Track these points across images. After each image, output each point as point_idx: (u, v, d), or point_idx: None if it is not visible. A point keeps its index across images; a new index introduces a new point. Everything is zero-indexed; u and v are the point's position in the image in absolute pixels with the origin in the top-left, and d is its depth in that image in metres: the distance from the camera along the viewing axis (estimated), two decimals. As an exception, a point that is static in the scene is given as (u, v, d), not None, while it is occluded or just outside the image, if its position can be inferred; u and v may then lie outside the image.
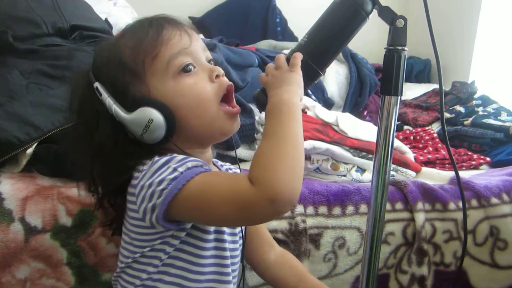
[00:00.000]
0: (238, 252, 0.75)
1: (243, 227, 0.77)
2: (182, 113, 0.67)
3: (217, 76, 0.70)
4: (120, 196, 0.70)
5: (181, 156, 0.63)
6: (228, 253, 0.71)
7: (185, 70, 0.68)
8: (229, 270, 0.71)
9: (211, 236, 0.68)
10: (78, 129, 0.71)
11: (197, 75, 0.69)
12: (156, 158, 0.63)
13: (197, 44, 0.71)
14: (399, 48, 0.67)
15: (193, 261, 0.67)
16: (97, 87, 0.67)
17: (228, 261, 0.71)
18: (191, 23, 2.30)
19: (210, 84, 0.70)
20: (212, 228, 0.68)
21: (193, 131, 0.69)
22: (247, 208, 0.57)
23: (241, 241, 0.77)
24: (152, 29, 0.68)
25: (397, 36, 0.66)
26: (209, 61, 0.73)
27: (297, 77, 0.68)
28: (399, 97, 0.69)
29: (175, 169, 0.60)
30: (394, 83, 0.68)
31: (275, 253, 0.86)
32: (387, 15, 0.67)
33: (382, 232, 0.74)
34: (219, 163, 0.84)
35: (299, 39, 0.72)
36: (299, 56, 0.69)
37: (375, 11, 0.69)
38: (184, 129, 0.68)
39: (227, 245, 0.71)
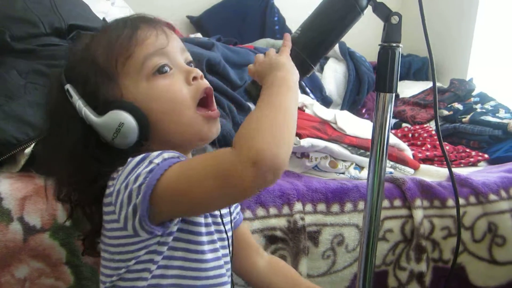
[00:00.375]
0: (229, 265, 0.71)
1: (230, 236, 0.71)
2: (157, 117, 0.64)
3: (195, 78, 0.67)
4: (93, 206, 0.67)
5: (157, 152, 0.59)
6: (222, 261, 0.67)
7: (160, 71, 0.65)
8: (225, 279, 0.68)
9: (204, 238, 0.65)
10: (51, 133, 0.69)
11: (173, 77, 0.66)
12: (130, 158, 0.60)
13: (175, 45, 0.68)
14: (394, 44, 0.66)
15: (189, 266, 0.64)
16: (67, 89, 0.65)
17: (223, 270, 0.67)
18: (188, 22, 2.30)
19: (187, 87, 0.66)
20: (203, 229, 0.65)
21: (169, 136, 0.66)
22: (228, 177, 0.53)
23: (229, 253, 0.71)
24: (126, 29, 0.66)
25: (391, 32, 0.66)
26: (188, 63, 0.70)
27: (287, 60, 0.65)
28: (394, 94, 0.68)
29: (150, 162, 0.57)
30: (389, 80, 0.67)
31: (264, 261, 0.84)
32: (382, 11, 0.67)
33: (379, 229, 0.74)
34: None
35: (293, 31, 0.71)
36: (287, 37, 0.67)
37: (369, 7, 0.69)
38: (159, 133, 0.65)
39: (220, 251, 0.67)
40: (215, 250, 0.67)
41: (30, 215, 0.84)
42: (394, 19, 0.66)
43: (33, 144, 0.92)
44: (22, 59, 1.05)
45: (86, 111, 0.63)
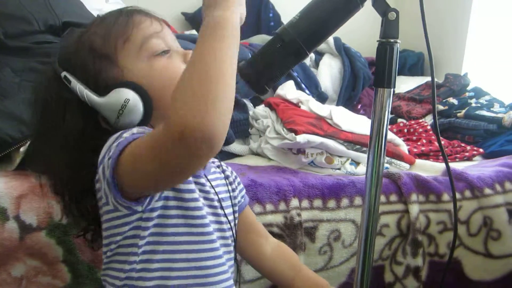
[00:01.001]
0: (232, 248, 0.72)
1: (232, 223, 0.73)
2: (158, 93, 0.65)
3: None
4: (87, 199, 0.67)
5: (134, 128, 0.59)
6: (217, 244, 0.67)
7: (159, 53, 0.67)
8: (222, 260, 0.68)
9: (180, 221, 0.64)
10: (45, 124, 0.68)
11: (171, 57, 0.68)
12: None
13: (169, 32, 0.70)
14: (392, 40, 0.67)
15: (176, 249, 0.64)
16: (65, 76, 0.65)
17: (220, 252, 0.67)
18: (183, 19, 2.29)
19: (184, 66, 0.65)
20: (196, 213, 0.65)
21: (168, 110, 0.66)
22: (163, 156, 0.50)
23: (231, 238, 0.73)
24: (122, 16, 0.68)
25: (389, 28, 0.66)
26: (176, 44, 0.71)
27: None
28: (392, 89, 0.69)
29: (120, 136, 0.58)
30: (387, 75, 0.68)
31: (271, 246, 0.85)
32: (380, 6, 0.67)
33: (377, 224, 0.74)
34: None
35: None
36: None
37: (369, 1, 0.69)
38: (160, 110, 0.65)
39: (213, 233, 0.67)
40: (207, 234, 0.66)
41: (26, 214, 0.84)
42: (392, 15, 0.66)
43: (28, 142, 0.92)
44: (16, 57, 1.05)
45: (88, 93, 0.64)
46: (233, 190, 0.79)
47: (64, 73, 0.66)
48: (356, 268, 0.76)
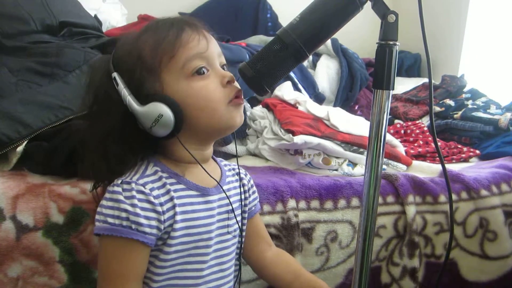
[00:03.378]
0: (231, 250, 0.78)
1: (241, 226, 0.81)
2: (192, 112, 0.70)
3: (229, 82, 0.72)
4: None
5: (120, 204, 0.66)
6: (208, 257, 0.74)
7: (199, 72, 0.70)
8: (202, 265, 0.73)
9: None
10: (93, 112, 0.74)
11: (209, 79, 0.71)
12: (108, 193, 0.68)
13: (214, 50, 0.73)
14: (391, 43, 0.67)
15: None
16: (115, 77, 0.70)
17: (206, 258, 0.73)
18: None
19: (221, 88, 0.72)
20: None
21: (199, 128, 0.72)
22: None
23: (234, 240, 0.79)
24: (172, 30, 0.70)
25: (388, 31, 0.67)
26: (222, 66, 0.75)
27: None
28: (391, 91, 0.69)
29: (100, 210, 0.68)
30: (386, 77, 0.68)
31: (271, 252, 0.88)
32: (380, 8, 0.67)
33: (375, 225, 0.74)
34: (223, 162, 0.85)
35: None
36: None
37: (369, 3, 0.69)
38: (192, 126, 0.71)
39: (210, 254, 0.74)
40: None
41: (23, 214, 0.84)
42: (391, 18, 0.66)
43: (25, 142, 0.92)
44: (13, 56, 1.04)
45: (130, 100, 0.68)
46: (246, 198, 0.84)
47: (114, 74, 0.70)
48: (354, 269, 0.76)
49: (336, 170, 1.19)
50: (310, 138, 1.15)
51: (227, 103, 0.72)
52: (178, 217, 0.69)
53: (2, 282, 0.83)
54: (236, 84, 0.74)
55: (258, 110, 1.39)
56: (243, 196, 0.82)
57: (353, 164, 1.21)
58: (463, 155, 1.42)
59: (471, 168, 1.28)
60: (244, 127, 1.39)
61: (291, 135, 1.15)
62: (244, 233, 0.83)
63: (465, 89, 1.85)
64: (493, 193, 1.12)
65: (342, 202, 1.03)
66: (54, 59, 1.06)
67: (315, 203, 1.02)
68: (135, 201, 0.66)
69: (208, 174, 0.73)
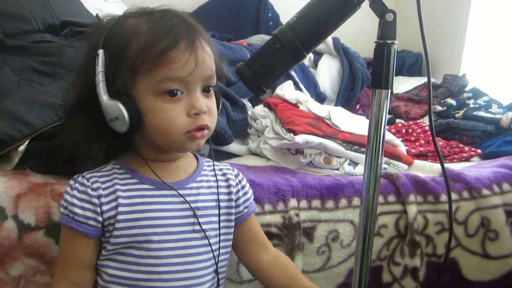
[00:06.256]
0: (202, 251, 0.75)
1: (219, 227, 0.78)
2: (149, 126, 0.70)
3: (196, 114, 0.70)
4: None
5: (65, 195, 0.72)
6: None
7: (170, 93, 0.68)
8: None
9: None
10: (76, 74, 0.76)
11: (178, 103, 0.69)
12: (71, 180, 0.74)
13: (199, 75, 0.70)
14: (389, 41, 0.67)
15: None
16: (98, 54, 0.69)
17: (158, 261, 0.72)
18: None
19: (185, 117, 0.70)
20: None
21: (154, 141, 0.72)
22: None
23: (205, 241, 0.75)
24: (167, 38, 0.67)
25: (386, 29, 0.67)
26: (207, 87, 0.72)
27: None
28: (390, 90, 0.69)
29: (64, 197, 0.72)
30: (385, 76, 0.68)
31: (268, 255, 0.85)
32: (378, 7, 0.67)
33: (375, 225, 0.74)
34: (210, 162, 0.83)
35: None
36: None
37: (367, 2, 0.69)
38: (147, 136, 0.72)
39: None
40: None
41: (25, 213, 0.84)
42: (389, 17, 0.66)
43: (27, 142, 0.92)
44: (15, 56, 1.04)
45: (100, 87, 0.68)
46: (230, 200, 0.81)
47: (100, 51, 0.69)
48: (354, 268, 0.77)
49: (338, 169, 1.19)
50: (312, 138, 1.15)
51: (185, 132, 0.70)
52: (122, 209, 0.71)
53: (4, 281, 0.83)
54: (205, 117, 0.71)
55: (260, 109, 1.39)
56: (226, 197, 0.80)
57: (354, 163, 1.21)
58: (465, 155, 1.42)
59: (473, 168, 1.28)
60: (246, 127, 1.39)
61: (292, 135, 1.15)
62: (231, 236, 0.81)
63: (467, 88, 1.85)
64: (495, 192, 1.12)
65: (343, 202, 1.03)
66: (56, 59, 1.06)
67: (316, 203, 1.02)
68: (75, 192, 0.71)
69: (153, 172, 0.73)
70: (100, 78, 0.68)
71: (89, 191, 0.71)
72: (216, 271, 0.77)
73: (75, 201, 0.71)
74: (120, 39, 0.69)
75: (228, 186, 0.81)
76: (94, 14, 1.44)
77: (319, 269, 1.02)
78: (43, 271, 0.85)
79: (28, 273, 0.85)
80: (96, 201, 0.71)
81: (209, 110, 0.72)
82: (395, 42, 0.67)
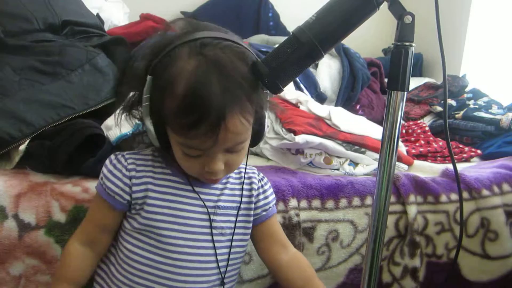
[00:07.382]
0: (214, 247, 0.78)
1: (234, 227, 0.81)
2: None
3: (208, 172, 0.73)
4: None
5: (103, 168, 0.77)
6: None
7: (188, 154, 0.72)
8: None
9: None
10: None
11: (196, 159, 0.72)
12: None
13: (220, 146, 0.69)
14: (407, 44, 0.67)
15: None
16: (148, 80, 0.70)
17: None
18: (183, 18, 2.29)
19: (199, 168, 0.73)
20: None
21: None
22: None
23: (221, 238, 0.79)
24: (190, 117, 0.65)
25: (404, 32, 0.67)
26: (227, 148, 0.71)
27: None
28: (406, 92, 0.69)
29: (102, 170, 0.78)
30: (401, 78, 0.68)
31: (287, 254, 0.86)
32: (396, 9, 0.67)
33: (385, 226, 0.74)
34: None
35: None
36: None
37: (385, 4, 0.69)
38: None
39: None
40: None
41: (25, 212, 0.84)
42: (407, 19, 0.66)
43: (28, 141, 0.92)
44: (16, 55, 1.05)
45: (146, 111, 0.71)
46: (250, 202, 0.84)
47: (149, 78, 0.70)
48: (363, 266, 0.77)
49: (338, 169, 1.19)
50: (312, 138, 1.15)
51: (197, 175, 0.75)
52: (152, 194, 0.75)
53: (4, 280, 0.83)
54: (218, 174, 0.73)
55: (260, 109, 1.39)
56: (247, 199, 0.83)
57: (354, 163, 1.21)
58: (465, 155, 1.42)
59: (473, 168, 1.28)
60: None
61: (292, 135, 1.15)
62: (247, 236, 0.84)
63: (467, 89, 1.85)
64: (495, 193, 1.12)
65: (343, 202, 1.04)
66: (56, 58, 1.06)
67: (316, 203, 1.02)
68: (111, 167, 0.77)
69: (180, 172, 0.77)
70: (144, 101, 0.71)
71: (124, 170, 0.76)
72: (223, 282, 0.79)
73: (109, 175, 0.76)
74: (164, 80, 0.68)
75: (251, 190, 0.84)
76: (95, 14, 1.44)
77: (319, 269, 1.03)
78: (44, 270, 0.86)
79: (29, 272, 0.85)
80: (127, 181, 0.75)
81: (228, 165, 0.73)
82: (413, 44, 0.67)
